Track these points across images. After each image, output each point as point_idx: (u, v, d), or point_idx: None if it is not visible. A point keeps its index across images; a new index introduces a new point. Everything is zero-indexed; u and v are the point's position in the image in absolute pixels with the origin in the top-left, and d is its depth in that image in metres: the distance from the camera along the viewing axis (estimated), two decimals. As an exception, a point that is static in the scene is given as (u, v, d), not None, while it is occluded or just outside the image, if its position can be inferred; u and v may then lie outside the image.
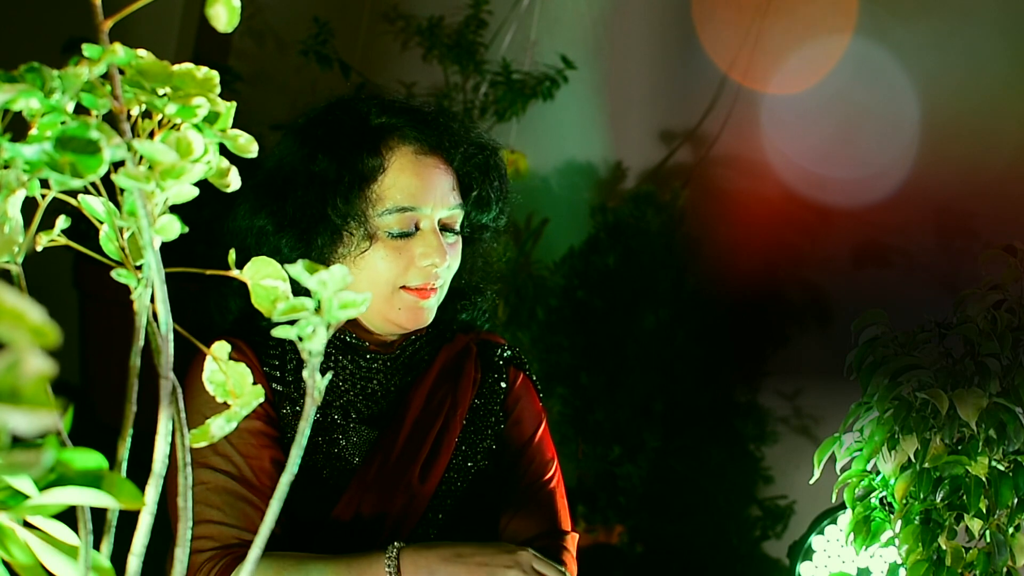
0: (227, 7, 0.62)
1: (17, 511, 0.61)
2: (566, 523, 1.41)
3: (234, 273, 0.68)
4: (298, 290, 0.62)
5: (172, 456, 0.66)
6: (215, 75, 0.65)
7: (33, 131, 0.58)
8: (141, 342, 0.64)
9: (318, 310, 0.58)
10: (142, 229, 0.61)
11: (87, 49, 0.59)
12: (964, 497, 1.15)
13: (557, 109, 3.26)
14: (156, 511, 0.64)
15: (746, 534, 3.04)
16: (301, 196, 1.31)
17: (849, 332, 1.23)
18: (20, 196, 0.64)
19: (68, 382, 3.38)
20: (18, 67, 0.58)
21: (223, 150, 0.66)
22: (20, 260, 0.67)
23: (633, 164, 3.41)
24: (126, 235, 0.66)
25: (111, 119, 0.61)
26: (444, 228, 1.35)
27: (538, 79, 3.19)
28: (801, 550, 1.54)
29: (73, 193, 0.64)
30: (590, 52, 3.34)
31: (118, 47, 0.59)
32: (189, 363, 1.28)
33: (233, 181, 0.66)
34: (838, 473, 1.25)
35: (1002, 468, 1.16)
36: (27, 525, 0.64)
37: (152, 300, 0.63)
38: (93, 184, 0.63)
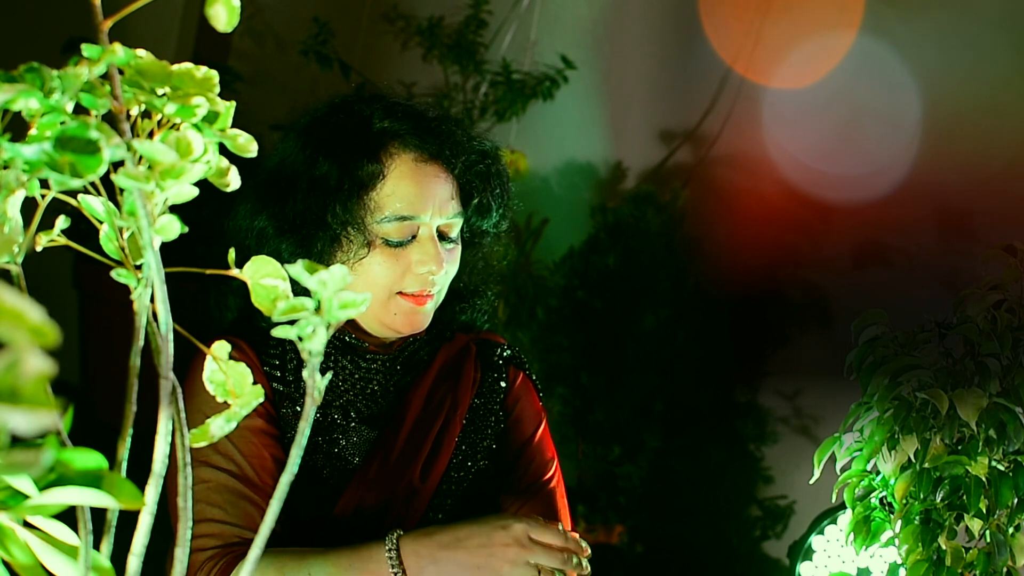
0: (227, 7, 0.62)
1: (17, 511, 0.61)
2: (567, 523, 1.41)
3: (234, 273, 0.68)
4: (298, 290, 0.62)
5: (172, 456, 0.66)
6: (215, 75, 0.65)
7: (33, 131, 0.58)
8: (141, 342, 0.64)
9: (318, 310, 0.58)
10: (142, 229, 0.61)
11: (87, 49, 0.59)
12: (964, 497, 1.15)
13: (557, 109, 3.26)
14: (156, 511, 0.64)
15: (746, 534, 3.04)
16: (301, 200, 1.31)
17: (849, 332, 1.23)
18: (20, 196, 0.64)
19: (68, 382, 3.38)
20: (18, 67, 0.58)
21: (223, 150, 0.66)
22: (20, 260, 0.67)
23: (633, 164, 3.41)
24: (126, 235, 0.66)
25: (111, 119, 0.61)
26: (442, 235, 1.34)
27: (538, 79, 3.19)
28: (801, 550, 1.54)
29: (73, 193, 0.64)
30: (590, 52, 3.34)
31: (118, 47, 0.59)
32: (189, 363, 1.28)
33: (233, 181, 0.66)
34: (838, 473, 1.25)
35: (1002, 468, 1.15)
36: (27, 525, 0.64)
37: (152, 300, 0.63)
38: (93, 184, 0.63)
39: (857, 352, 1.22)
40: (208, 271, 0.70)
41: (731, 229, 3.19)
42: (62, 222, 0.70)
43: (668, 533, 3.06)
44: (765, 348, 3.22)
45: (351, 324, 1.37)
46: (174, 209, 0.64)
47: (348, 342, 1.38)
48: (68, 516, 0.63)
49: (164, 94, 0.63)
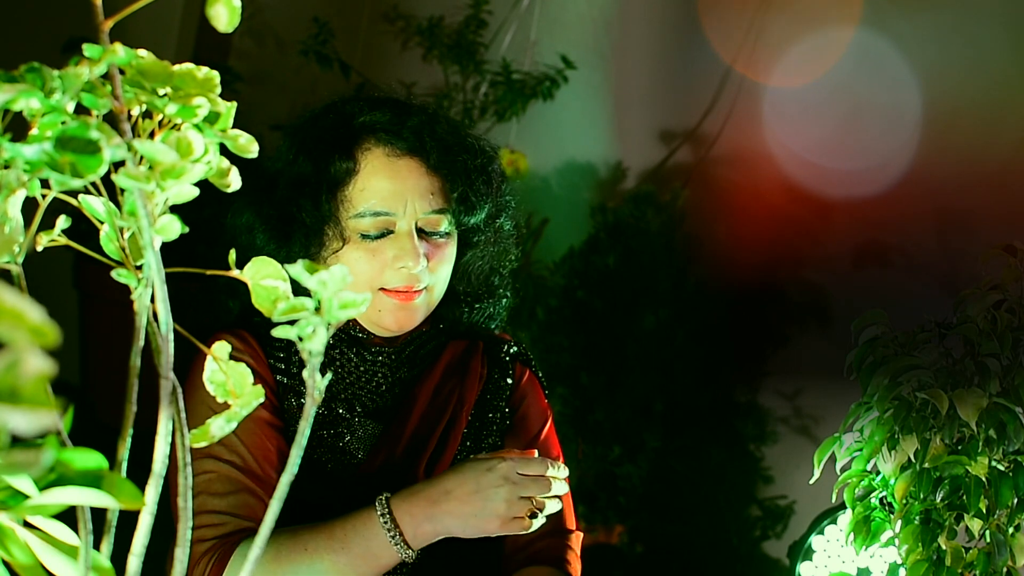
0: (227, 7, 0.62)
1: (17, 511, 0.61)
2: (570, 522, 1.41)
3: (234, 273, 0.68)
4: (298, 290, 0.62)
5: (172, 456, 0.66)
6: (215, 75, 0.65)
7: (33, 131, 0.58)
8: (141, 342, 0.64)
9: (318, 310, 0.58)
10: (142, 229, 0.61)
11: (87, 49, 0.59)
12: (964, 497, 1.15)
13: (557, 109, 3.26)
14: (156, 511, 0.64)
15: (746, 534, 3.04)
16: (278, 195, 1.33)
17: (849, 332, 1.23)
18: (20, 196, 0.64)
19: (68, 382, 3.38)
20: (18, 67, 0.58)
21: (223, 150, 0.66)
22: (20, 260, 0.67)
23: (633, 164, 3.41)
24: (126, 235, 0.66)
25: (111, 119, 0.61)
26: (427, 231, 1.34)
27: (538, 79, 3.19)
28: (801, 550, 1.54)
29: (73, 193, 0.64)
30: (590, 52, 3.34)
31: (118, 47, 0.59)
32: (190, 363, 1.28)
33: (233, 181, 0.67)
34: (838, 473, 1.25)
35: (1002, 468, 1.15)
36: (27, 525, 0.64)
37: (152, 300, 0.63)
38: (93, 184, 0.63)
39: (857, 352, 1.22)
40: (208, 271, 0.70)
41: (731, 229, 3.19)
42: (62, 222, 0.70)
43: (668, 533, 3.06)
44: (765, 348, 3.22)
45: (356, 318, 1.37)
46: (175, 209, 0.64)
47: (354, 335, 1.38)
48: (68, 516, 0.63)
49: (165, 94, 0.63)
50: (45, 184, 0.62)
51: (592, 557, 2.93)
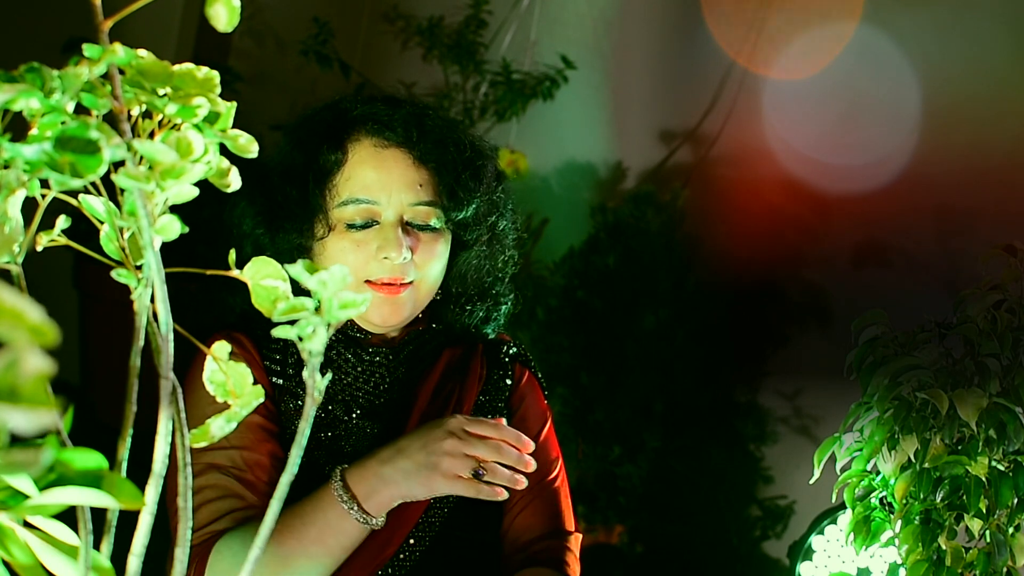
0: (227, 7, 0.62)
1: (17, 511, 0.61)
2: (570, 523, 1.41)
3: (234, 273, 0.68)
4: (298, 290, 0.63)
5: (172, 456, 0.66)
6: (215, 75, 0.65)
7: (33, 131, 0.58)
8: (141, 342, 0.64)
9: (318, 310, 0.58)
10: (142, 229, 0.61)
11: (87, 49, 0.59)
12: (964, 497, 1.15)
13: (557, 109, 3.26)
14: (156, 511, 0.64)
15: (746, 534, 3.04)
16: (268, 184, 1.35)
17: (849, 332, 1.23)
18: (20, 196, 0.64)
19: (68, 382, 3.38)
20: (18, 67, 0.58)
21: (223, 150, 0.66)
22: (20, 260, 0.67)
23: (633, 164, 3.41)
24: (126, 235, 0.66)
25: (111, 119, 0.61)
26: (415, 224, 1.34)
27: (538, 79, 3.19)
28: (801, 550, 1.54)
29: (73, 193, 0.64)
30: (590, 52, 3.34)
31: (118, 47, 0.59)
32: (189, 363, 1.28)
33: (233, 181, 0.67)
34: (838, 473, 1.25)
35: (1002, 468, 1.15)
36: (27, 525, 0.64)
37: (152, 300, 0.63)
38: (93, 184, 0.63)
39: (857, 352, 1.22)
40: (208, 271, 0.70)
41: (731, 229, 3.19)
42: (62, 222, 0.70)
43: (668, 533, 3.06)
44: (765, 348, 3.22)
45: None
46: (174, 209, 0.64)
47: (352, 336, 1.38)
48: (68, 516, 0.63)
49: (165, 94, 0.63)
50: (45, 184, 0.62)
51: (592, 557, 2.94)
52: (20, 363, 0.43)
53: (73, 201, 0.67)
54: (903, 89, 2.83)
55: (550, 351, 3.02)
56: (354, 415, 1.36)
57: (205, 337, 1.21)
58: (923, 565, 1.17)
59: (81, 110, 0.60)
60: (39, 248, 0.69)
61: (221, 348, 0.70)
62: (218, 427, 0.68)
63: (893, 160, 2.83)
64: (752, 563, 2.99)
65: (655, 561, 3.03)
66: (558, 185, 3.45)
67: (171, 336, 0.63)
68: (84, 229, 0.76)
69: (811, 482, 1.26)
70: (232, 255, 0.70)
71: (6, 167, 0.58)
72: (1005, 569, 1.16)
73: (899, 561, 1.20)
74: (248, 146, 0.66)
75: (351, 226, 1.32)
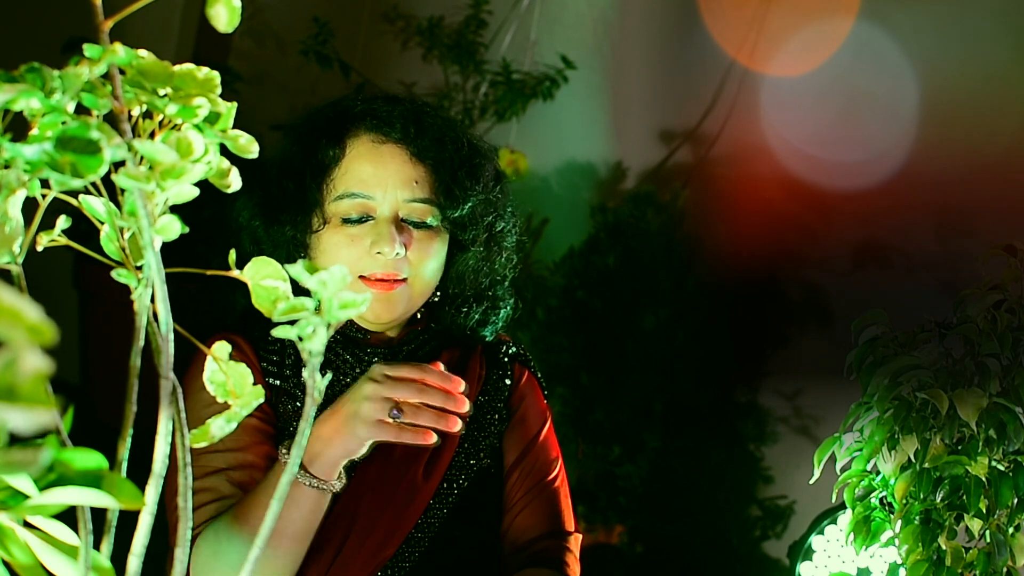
0: (227, 7, 0.63)
1: (17, 511, 0.61)
2: (569, 523, 1.41)
3: (234, 273, 0.68)
4: (298, 290, 0.63)
5: (172, 456, 0.66)
6: (216, 75, 0.65)
7: (33, 131, 0.58)
8: (141, 342, 0.64)
9: (318, 310, 0.58)
10: (142, 229, 0.61)
11: (87, 49, 0.59)
12: (964, 497, 1.15)
13: (557, 109, 3.26)
14: (156, 511, 0.64)
15: (746, 534, 3.04)
16: (266, 178, 1.35)
17: (849, 332, 1.23)
18: (20, 196, 0.64)
19: (68, 382, 3.38)
20: (18, 67, 0.58)
21: (223, 150, 0.66)
22: (20, 260, 0.67)
23: (633, 164, 3.41)
24: (127, 235, 0.66)
25: (111, 119, 0.61)
26: (411, 221, 1.34)
27: (538, 79, 3.19)
28: (801, 550, 1.54)
29: (74, 193, 0.64)
30: (590, 52, 3.34)
31: (118, 47, 0.59)
32: (189, 363, 1.28)
33: (233, 181, 0.67)
34: (838, 473, 1.25)
35: (1002, 468, 1.15)
36: (27, 525, 0.64)
37: (152, 300, 0.63)
38: (94, 184, 0.63)
39: (857, 352, 1.22)
40: (208, 271, 0.70)
41: (731, 229, 3.19)
42: (63, 222, 0.70)
43: (668, 533, 3.06)
44: (765, 348, 3.22)
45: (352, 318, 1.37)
46: (175, 209, 0.64)
47: (350, 336, 1.38)
48: (68, 516, 0.63)
49: (165, 94, 0.63)
50: (45, 184, 0.62)
51: (592, 557, 2.94)
52: (19, 362, 0.43)
53: (73, 201, 0.67)
54: (902, 85, 2.84)
55: (550, 351, 3.02)
56: None
57: (204, 338, 1.21)
58: (923, 565, 1.17)
59: (81, 110, 0.60)
60: (39, 248, 0.69)
61: (221, 348, 0.70)
62: (218, 427, 0.68)
63: (892, 157, 2.83)
64: (752, 563, 2.99)
65: (655, 561, 3.03)
66: (558, 185, 3.45)
67: (171, 336, 0.63)
68: (84, 229, 0.76)
69: (811, 482, 1.26)
70: (232, 255, 0.70)
71: (6, 167, 0.58)
72: (1005, 569, 1.16)
73: (899, 561, 1.20)
74: (248, 146, 0.66)
75: (346, 220, 1.32)
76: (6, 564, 0.64)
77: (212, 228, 1.36)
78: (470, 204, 1.37)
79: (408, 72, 3.22)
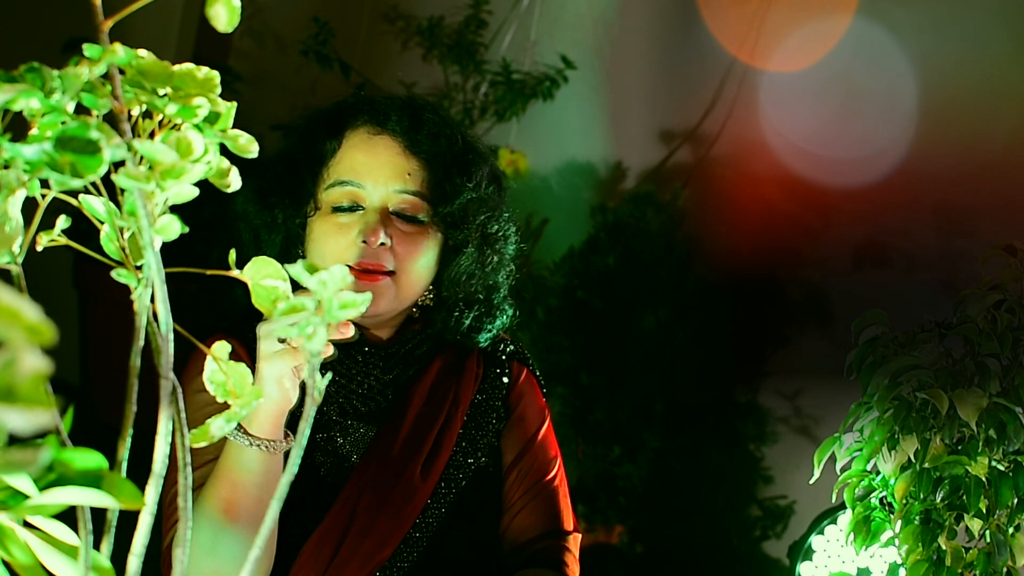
0: (227, 7, 0.62)
1: (17, 511, 0.61)
2: (568, 523, 1.40)
3: (234, 273, 0.68)
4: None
5: (172, 456, 0.66)
6: (216, 75, 0.65)
7: (33, 131, 0.58)
8: (141, 342, 0.64)
9: (318, 310, 0.59)
10: (142, 229, 0.61)
11: (87, 49, 0.59)
12: (964, 497, 1.15)
13: (557, 109, 3.26)
14: (156, 511, 0.64)
15: (746, 534, 3.04)
16: (263, 167, 1.36)
17: (849, 332, 1.23)
18: (20, 196, 0.64)
19: (68, 382, 3.38)
20: (18, 67, 0.58)
21: (223, 150, 0.66)
22: (20, 260, 0.67)
23: (633, 164, 3.41)
24: (127, 235, 0.66)
25: (111, 119, 0.61)
26: (401, 214, 1.34)
27: (538, 79, 3.20)
28: (801, 550, 1.54)
29: (73, 193, 0.64)
30: (590, 52, 3.34)
31: (118, 47, 0.59)
32: (185, 362, 1.28)
33: (233, 181, 0.67)
34: (838, 473, 1.25)
35: (1002, 468, 1.15)
36: (27, 525, 0.64)
37: (152, 300, 0.63)
38: (93, 184, 0.63)
39: (857, 352, 1.22)
40: (208, 271, 0.70)
41: (731, 229, 3.19)
42: (62, 222, 0.70)
43: (668, 533, 3.06)
44: (765, 348, 3.22)
45: None
46: (174, 209, 0.64)
47: None
48: (68, 516, 0.63)
49: (165, 94, 0.63)
50: (45, 184, 0.62)
51: (592, 557, 2.94)
52: (18, 362, 0.43)
53: (73, 201, 0.67)
54: (900, 82, 2.84)
55: (550, 351, 3.02)
56: (349, 417, 1.36)
57: (201, 339, 1.21)
58: (923, 565, 1.17)
59: (81, 110, 0.60)
60: (39, 248, 0.69)
61: (221, 348, 0.70)
62: (218, 427, 0.68)
63: (892, 154, 2.84)
64: (752, 563, 2.99)
65: (655, 561, 3.03)
66: (558, 185, 3.45)
67: (171, 336, 0.63)
68: (84, 229, 0.76)
69: (811, 482, 1.26)
70: (232, 255, 0.70)
71: (6, 167, 0.58)
72: (1005, 569, 1.16)
73: (899, 561, 1.20)
74: (248, 146, 0.66)
75: (337, 209, 1.33)
76: (6, 564, 0.64)
77: (212, 228, 1.36)
78: (461, 201, 1.36)
79: (408, 72, 3.22)
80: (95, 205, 0.67)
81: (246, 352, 1.35)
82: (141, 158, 0.60)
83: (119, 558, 0.64)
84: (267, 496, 1.20)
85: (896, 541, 1.20)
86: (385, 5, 3.31)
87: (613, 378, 3.00)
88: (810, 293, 3.15)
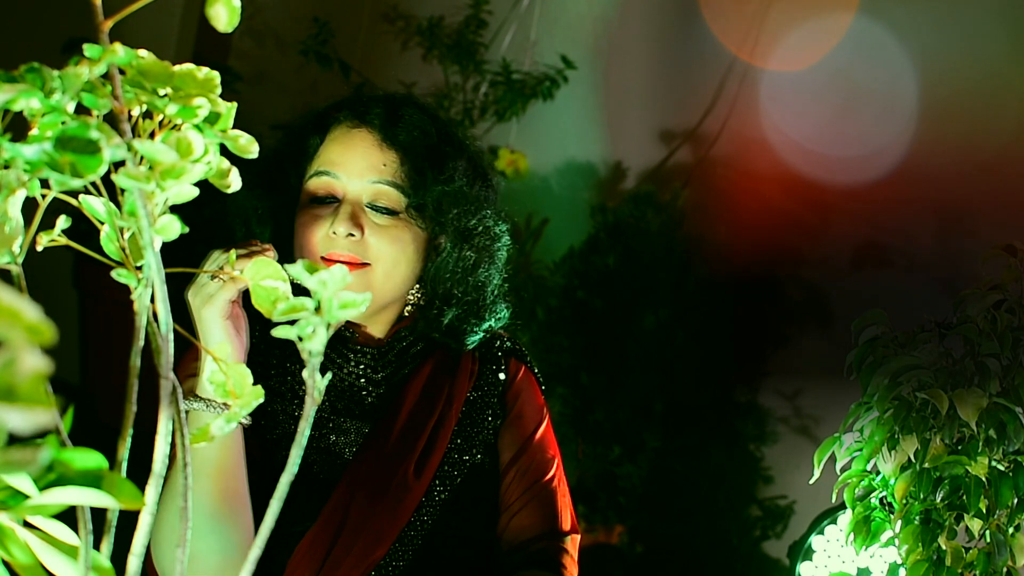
0: (227, 7, 0.63)
1: (17, 511, 0.61)
2: (566, 523, 1.40)
3: (234, 273, 0.68)
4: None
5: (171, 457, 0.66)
6: (216, 75, 0.65)
7: (33, 131, 0.58)
8: (141, 342, 0.64)
9: (318, 310, 0.58)
10: (142, 229, 0.61)
11: (87, 49, 0.59)
12: (964, 497, 1.15)
13: (557, 109, 3.26)
14: (156, 511, 0.64)
15: (746, 534, 3.04)
16: (254, 164, 1.37)
17: (849, 332, 1.23)
18: (20, 196, 0.64)
19: (68, 382, 3.38)
20: (18, 67, 0.58)
21: (223, 150, 0.66)
22: (20, 260, 0.67)
23: (633, 164, 3.41)
24: (127, 235, 0.66)
25: (111, 119, 0.61)
26: (376, 205, 1.34)
27: (538, 79, 3.19)
28: (801, 550, 1.54)
29: (73, 193, 0.64)
30: (590, 52, 3.34)
31: (118, 47, 0.59)
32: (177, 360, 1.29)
33: (233, 181, 0.67)
34: (838, 473, 1.25)
35: (1002, 468, 1.16)
36: (27, 525, 0.64)
37: (152, 300, 0.63)
38: (94, 184, 0.63)
39: (857, 352, 1.22)
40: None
41: (731, 229, 3.19)
42: (63, 222, 0.70)
43: (668, 533, 3.06)
44: (765, 348, 3.22)
45: None
46: (174, 209, 0.64)
47: (338, 333, 1.37)
48: (68, 516, 0.63)
49: (165, 94, 0.63)
50: (45, 184, 0.62)
51: (592, 557, 2.94)
52: (18, 362, 0.43)
53: (73, 201, 0.67)
54: (900, 81, 2.84)
55: (550, 351, 3.02)
56: (341, 414, 1.36)
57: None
58: (923, 565, 1.17)
59: (81, 110, 0.60)
60: (39, 248, 0.69)
61: (221, 348, 0.70)
62: (218, 427, 0.68)
63: (891, 153, 2.84)
64: (752, 563, 2.99)
65: (655, 561, 3.03)
66: (558, 185, 3.45)
67: (171, 336, 0.63)
68: (84, 229, 0.76)
69: (811, 482, 1.26)
70: (232, 255, 0.70)
71: (6, 167, 0.58)
72: (1005, 569, 1.16)
73: (899, 561, 1.20)
74: (248, 146, 0.66)
75: (314, 200, 1.35)
76: (6, 564, 0.64)
77: (212, 228, 1.37)
78: (431, 193, 1.36)
79: (408, 72, 3.22)
80: (95, 205, 0.67)
81: None
82: (141, 158, 0.60)
83: (119, 558, 0.64)
84: (224, 464, 1.21)
85: (896, 541, 1.20)
86: (385, 5, 3.31)
87: (613, 378, 3.00)
88: (810, 293, 3.15)
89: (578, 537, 1.41)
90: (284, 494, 0.60)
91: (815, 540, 1.53)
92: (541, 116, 3.28)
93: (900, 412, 1.16)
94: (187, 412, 1.20)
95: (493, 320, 1.45)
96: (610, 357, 3.02)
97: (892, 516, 1.20)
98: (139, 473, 0.63)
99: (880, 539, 1.23)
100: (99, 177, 0.58)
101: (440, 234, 1.39)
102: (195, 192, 0.64)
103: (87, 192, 0.66)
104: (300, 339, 0.58)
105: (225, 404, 1.20)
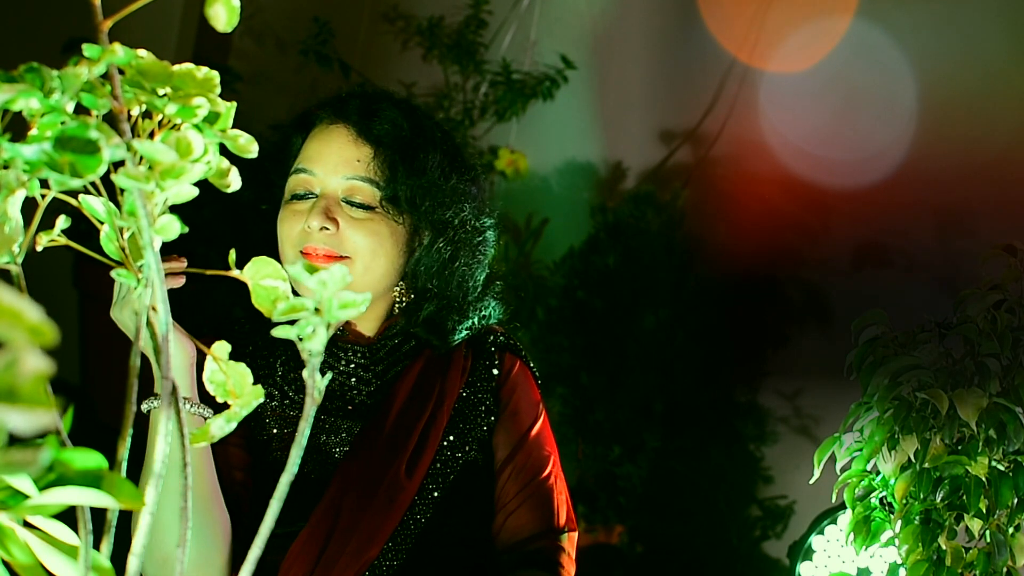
0: (227, 7, 0.62)
1: (17, 511, 0.61)
2: (563, 520, 1.39)
3: (234, 273, 0.68)
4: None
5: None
6: (215, 75, 0.65)
7: (33, 131, 0.58)
8: (141, 342, 0.64)
9: (318, 310, 0.58)
10: (142, 229, 0.61)
11: (87, 49, 0.59)
12: (964, 497, 1.15)
13: (557, 109, 3.26)
14: (156, 511, 0.63)
15: (746, 534, 3.04)
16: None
17: (849, 332, 1.23)
18: (20, 196, 0.64)
19: (68, 382, 3.37)
20: (18, 67, 0.58)
21: (223, 150, 0.66)
22: (20, 260, 0.67)
23: (633, 164, 3.41)
24: (126, 235, 0.66)
25: (111, 119, 0.61)
26: (352, 200, 1.35)
27: (538, 79, 3.19)
28: (801, 550, 1.54)
29: (73, 193, 0.64)
30: (590, 52, 3.34)
31: (118, 47, 0.59)
32: None
33: (233, 181, 0.67)
34: (838, 473, 1.25)
35: (1002, 468, 1.15)
36: (27, 525, 0.64)
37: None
38: (93, 184, 0.63)
39: (857, 352, 1.22)
40: (208, 271, 0.70)
41: (731, 229, 3.19)
42: (62, 222, 0.70)
43: (668, 533, 3.06)
44: (765, 348, 3.22)
45: None
46: (174, 209, 0.64)
47: None
48: (68, 516, 0.63)
49: (165, 94, 0.63)
50: (45, 184, 0.62)
51: (592, 557, 2.94)
52: (19, 363, 0.43)
53: (73, 201, 0.67)
54: (900, 82, 2.84)
55: (550, 351, 3.02)
56: (332, 414, 1.35)
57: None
58: (923, 565, 1.17)
59: (81, 110, 0.60)
60: (39, 248, 0.69)
61: (221, 348, 0.70)
62: (218, 427, 0.68)
63: (891, 154, 2.84)
64: (752, 563, 2.99)
65: (655, 561, 3.03)
66: (558, 185, 3.45)
67: (171, 336, 0.63)
68: (84, 229, 0.76)
69: (811, 482, 1.26)
70: (232, 255, 0.70)
71: (6, 167, 0.58)
72: (1005, 569, 1.16)
73: (899, 561, 1.20)
74: (248, 146, 0.66)
75: (294, 197, 1.37)
76: (6, 564, 0.64)
77: (212, 228, 1.37)
78: (401, 186, 1.36)
79: (408, 72, 3.22)
80: (95, 205, 0.67)
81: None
82: (141, 158, 0.60)
83: (119, 558, 0.64)
84: (196, 478, 1.22)
85: (896, 541, 1.20)
86: (385, 5, 3.31)
87: (613, 378, 3.00)
88: (810, 293, 3.15)
89: (576, 534, 1.40)
90: (284, 494, 0.60)
91: (815, 540, 1.53)
92: (541, 116, 3.28)
93: (900, 412, 1.16)
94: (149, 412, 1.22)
95: (477, 318, 1.44)
96: (610, 357, 3.02)
97: (892, 516, 1.20)
98: (139, 473, 0.63)
99: (880, 539, 1.23)
100: (99, 177, 0.58)
101: (407, 225, 1.38)
102: (195, 192, 0.63)
103: (87, 192, 0.66)
104: (300, 339, 0.58)
105: (185, 398, 1.22)
